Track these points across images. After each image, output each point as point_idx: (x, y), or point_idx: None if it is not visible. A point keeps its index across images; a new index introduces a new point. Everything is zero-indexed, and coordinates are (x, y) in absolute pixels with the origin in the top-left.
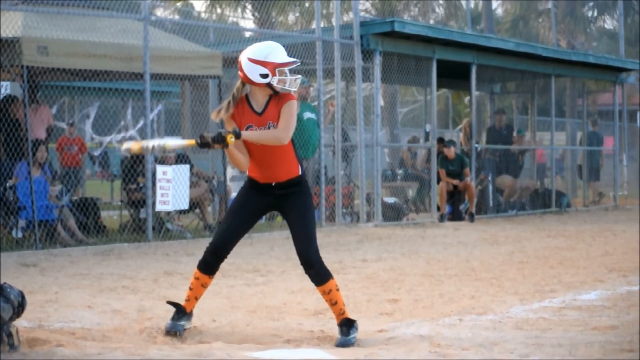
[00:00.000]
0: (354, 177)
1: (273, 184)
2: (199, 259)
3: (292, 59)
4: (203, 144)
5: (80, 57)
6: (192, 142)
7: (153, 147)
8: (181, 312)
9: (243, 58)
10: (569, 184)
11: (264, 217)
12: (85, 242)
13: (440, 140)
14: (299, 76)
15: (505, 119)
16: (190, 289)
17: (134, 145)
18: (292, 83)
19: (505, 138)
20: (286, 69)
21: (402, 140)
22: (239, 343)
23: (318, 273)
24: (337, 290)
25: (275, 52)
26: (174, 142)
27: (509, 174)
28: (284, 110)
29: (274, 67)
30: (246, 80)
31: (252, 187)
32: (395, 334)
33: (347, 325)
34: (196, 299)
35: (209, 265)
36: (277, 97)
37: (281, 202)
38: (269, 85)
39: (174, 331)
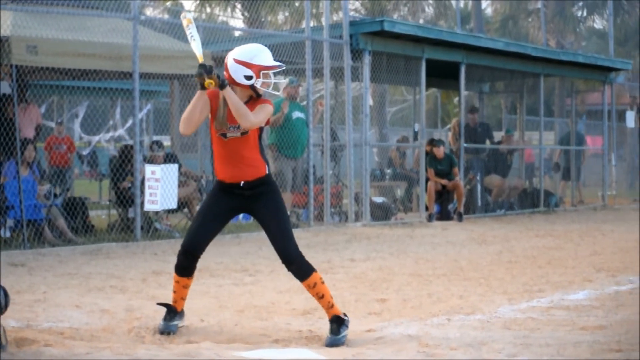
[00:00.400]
0: (343, 176)
1: (241, 184)
2: (175, 263)
3: (277, 63)
4: (200, 65)
5: (70, 56)
6: (200, 59)
7: (191, 35)
8: (172, 312)
9: (229, 58)
10: (557, 184)
11: (250, 217)
12: (74, 241)
13: (431, 142)
14: (284, 80)
15: (478, 117)
16: (174, 292)
17: (187, 21)
18: (275, 87)
19: (480, 136)
20: (270, 73)
21: (391, 140)
22: (227, 343)
23: (300, 268)
24: (322, 283)
25: (262, 54)
26: (196, 47)
27: (498, 173)
28: (258, 107)
29: (258, 69)
30: (230, 81)
31: (220, 189)
32: (384, 334)
33: (337, 322)
34: (182, 299)
35: (184, 267)
36: (255, 99)
37: (251, 203)
38: (252, 87)
39: (167, 331)
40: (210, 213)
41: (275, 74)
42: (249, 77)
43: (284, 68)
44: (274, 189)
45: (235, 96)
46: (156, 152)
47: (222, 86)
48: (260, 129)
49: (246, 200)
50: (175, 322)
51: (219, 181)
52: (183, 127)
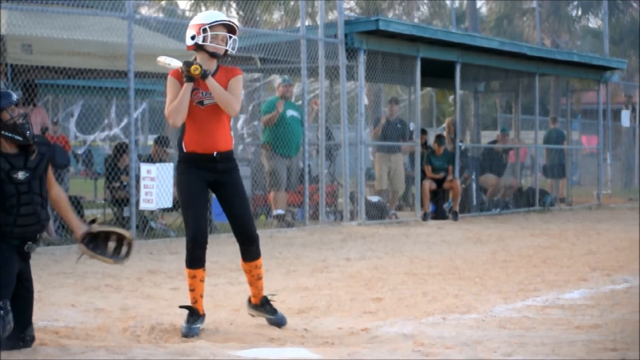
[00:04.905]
0: (338, 175)
1: (214, 154)
2: (185, 259)
3: (215, 19)
4: (184, 62)
5: (65, 55)
6: (180, 63)
7: (169, 63)
8: (195, 315)
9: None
10: (553, 183)
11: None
12: (56, 242)
13: (424, 132)
14: (235, 37)
15: (397, 110)
16: (192, 290)
17: (161, 63)
18: (219, 41)
19: (399, 133)
20: (208, 28)
21: None
22: (223, 342)
23: (258, 248)
24: None
25: (202, 16)
26: (175, 64)
27: (493, 172)
28: (233, 82)
29: (198, 27)
30: (188, 49)
31: (191, 165)
32: (379, 333)
33: (268, 302)
34: (201, 296)
35: (198, 258)
36: (224, 68)
37: (221, 177)
38: (198, 45)
39: (191, 335)
40: (196, 196)
41: (216, 29)
42: (192, 37)
43: (223, 21)
44: (237, 167)
45: (218, 85)
46: (166, 149)
47: (204, 75)
48: None
49: (217, 175)
50: (197, 325)
51: (188, 155)
52: (174, 119)
